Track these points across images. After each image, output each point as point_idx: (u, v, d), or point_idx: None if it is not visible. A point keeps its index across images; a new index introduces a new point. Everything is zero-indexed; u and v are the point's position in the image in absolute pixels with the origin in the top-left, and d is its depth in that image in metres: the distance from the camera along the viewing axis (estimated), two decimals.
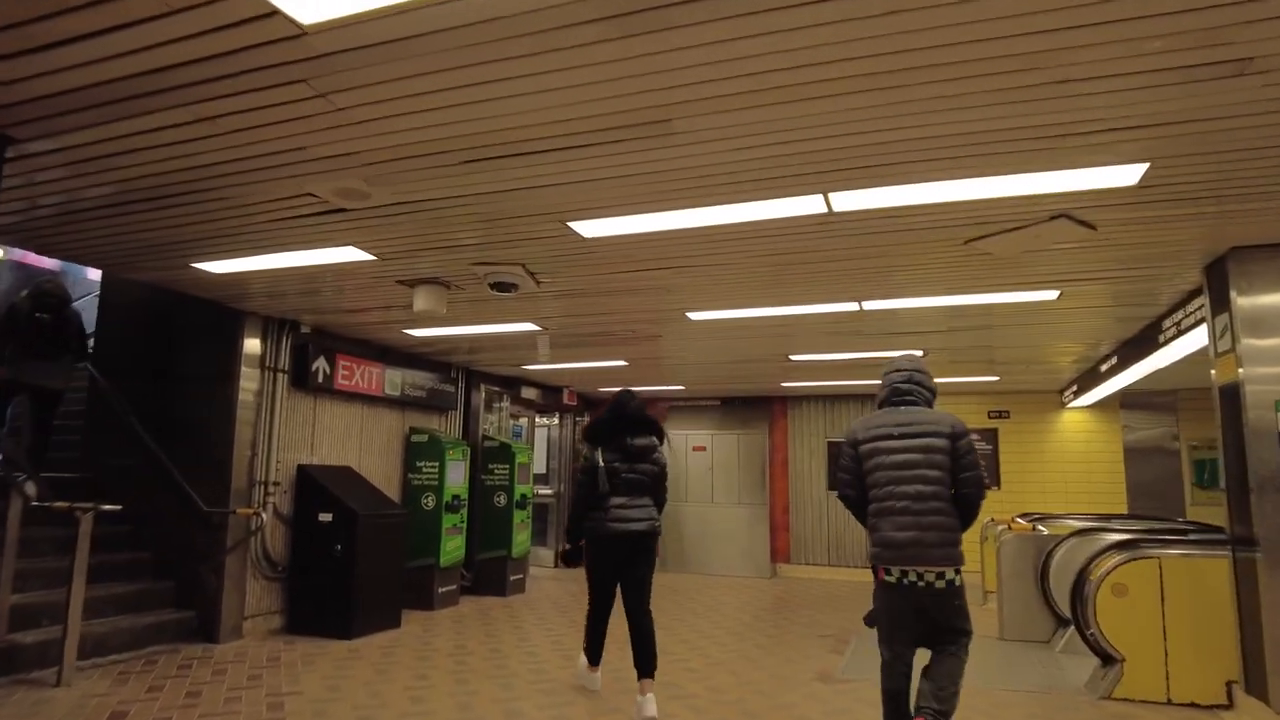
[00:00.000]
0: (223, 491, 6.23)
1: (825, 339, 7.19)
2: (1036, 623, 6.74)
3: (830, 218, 3.98)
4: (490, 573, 8.85)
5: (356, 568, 6.50)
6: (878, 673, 3.74)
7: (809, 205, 3.77)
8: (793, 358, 8.16)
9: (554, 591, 9.33)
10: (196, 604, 6.11)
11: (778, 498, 11.44)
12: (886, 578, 3.53)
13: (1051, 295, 5.40)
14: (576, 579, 10.07)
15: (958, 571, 3.47)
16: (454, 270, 5.00)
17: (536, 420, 12.22)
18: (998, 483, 10.65)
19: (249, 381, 6.45)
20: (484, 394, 9.65)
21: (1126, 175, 3.33)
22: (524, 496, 9.12)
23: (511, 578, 8.87)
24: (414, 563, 7.97)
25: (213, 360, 6.46)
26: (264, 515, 6.35)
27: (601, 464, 4.57)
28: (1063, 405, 10.46)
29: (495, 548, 8.89)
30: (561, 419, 12.19)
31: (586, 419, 12.45)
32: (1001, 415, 10.79)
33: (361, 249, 4.60)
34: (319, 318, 6.69)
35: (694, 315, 6.17)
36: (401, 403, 8.26)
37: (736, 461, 11.20)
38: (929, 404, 3.72)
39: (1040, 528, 7.84)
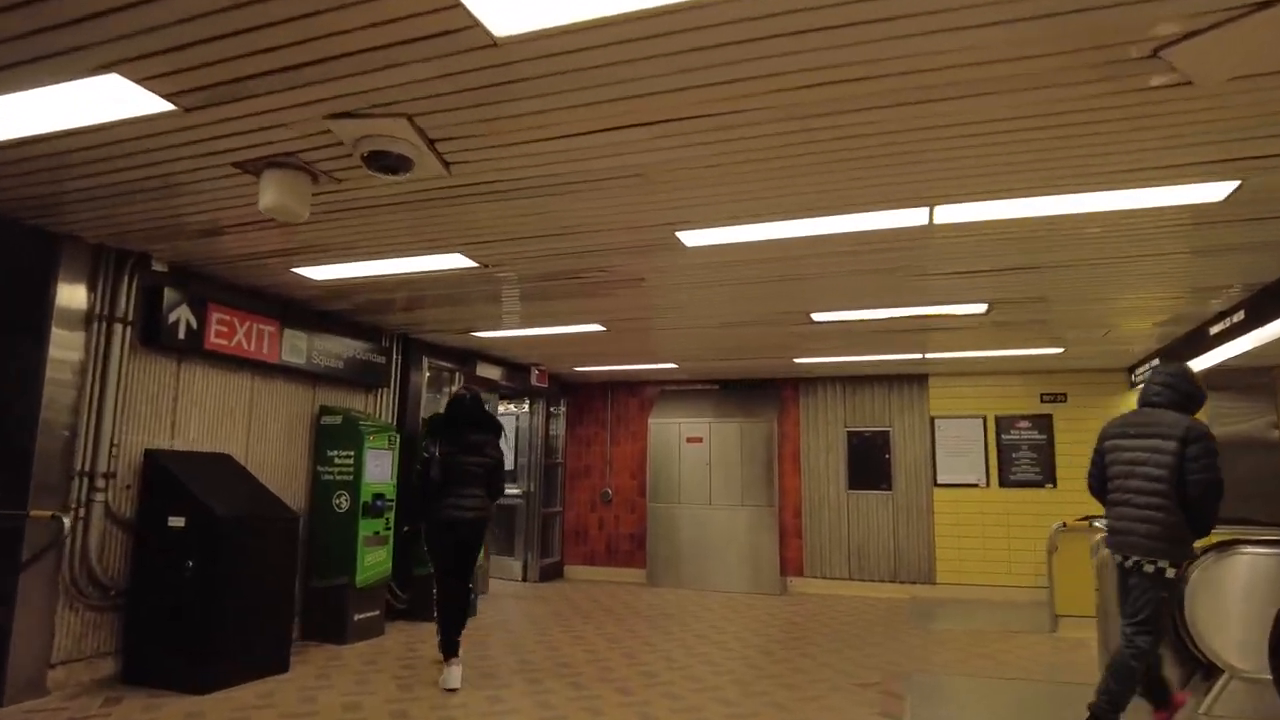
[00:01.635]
0: (18, 486, 4.38)
1: (858, 283, 5.38)
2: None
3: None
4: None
5: (216, 592, 4.66)
6: None
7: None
8: (815, 317, 6.34)
9: (513, 616, 7.48)
10: None
11: (788, 499, 9.62)
12: (1115, 557, 3.95)
13: (1222, 189, 3.59)
14: (547, 599, 8.19)
15: (1169, 564, 3.70)
16: (305, 133, 3.18)
17: (501, 407, 10.37)
18: (1052, 479, 8.84)
19: (66, 335, 4.60)
20: (427, 370, 7.81)
21: None
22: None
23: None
24: (322, 582, 6.13)
25: (10, 305, 4.61)
26: (66, 520, 4.47)
27: (438, 455, 5.10)
28: (1132, 385, 8.67)
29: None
30: (533, 405, 10.35)
31: (564, 408, 10.62)
32: (1056, 399, 8.99)
33: (145, 86, 2.77)
34: (171, 248, 4.86)
35: (689, 237, 4.36)
36: (312, 375, 6.42)
37: (739, 455, 9.38)
38: (1180, 408, 3.89)
39: (1099, 528, 6.04)
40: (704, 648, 6.15)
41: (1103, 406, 8.81)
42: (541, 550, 9.99)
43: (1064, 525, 6.94)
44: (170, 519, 4.79)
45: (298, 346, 6.15)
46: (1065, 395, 8.96)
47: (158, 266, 5.10)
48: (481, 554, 7.39)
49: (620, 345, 7.85)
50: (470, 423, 5.26)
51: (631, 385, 10.57)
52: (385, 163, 3.23)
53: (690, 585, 9.30)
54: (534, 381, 9.11)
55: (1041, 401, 9.02)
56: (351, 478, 6.22)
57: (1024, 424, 9.01)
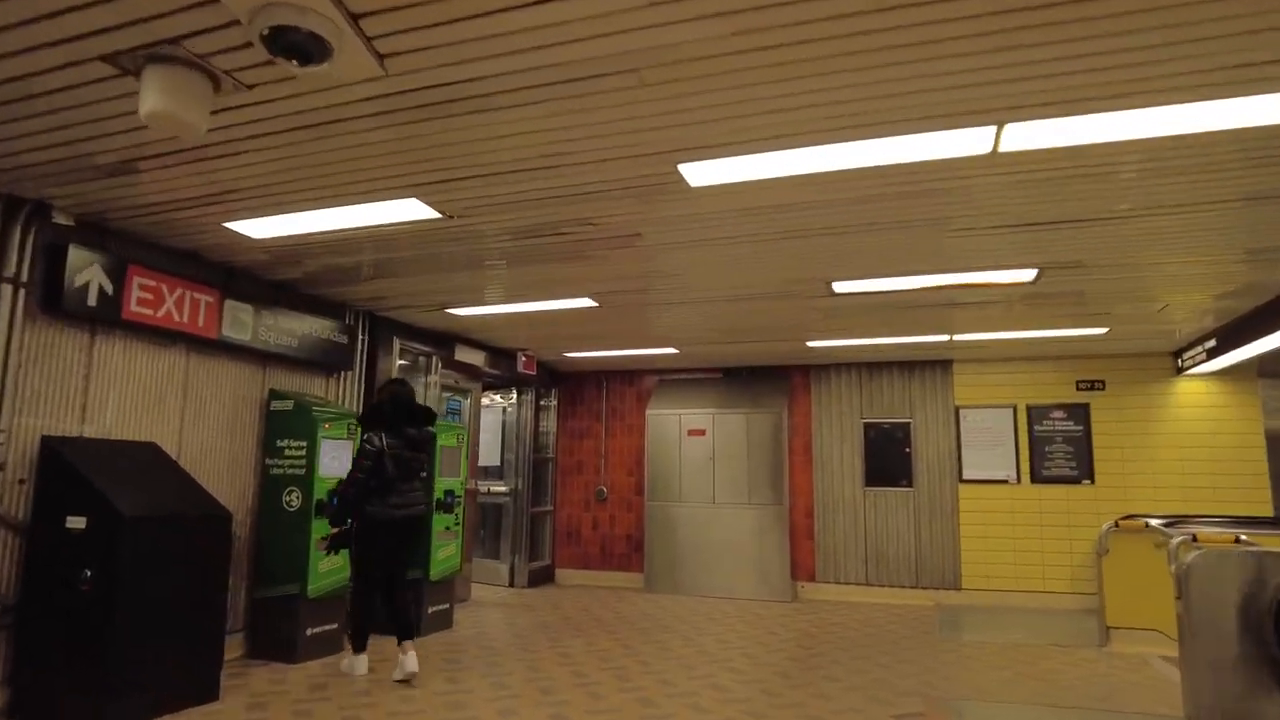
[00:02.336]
0: None
1: (891, 242, 4.58)
2: (1246, 698, 4.12)
3: None
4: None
5: (120, 607, 3.85)
6: None
7: None
8: (836, 288, 5.53)
9: (494, 628, 6.67)
10: None
11: (799, 497, 8.81)
12: None
13: None
14: (534, 607, 7.37)
15: None
16: (186, 3, 2.37)
17: (486, 398, 9.57)
18: (1090, 474, 8.04)
19: None
20: (398, 352, 6.99)
21: None
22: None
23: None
24: (269, 592, 5.32)
25: None
26: None
27: (385, 449, 4.94)
28: (1179, 371, 7.87)
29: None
30: (520, 395, 9.54)
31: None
32: (1094, 387, 8.19)
33: None
34: (75, 196, 4.04)
35: (694, 172, 3.55)
36: (261, 355, 5.61)
37: (745, 449, 8.57)
38: None
39: (1169, 532, 5.28)
40: (708, 667, 5.34)
41: (1145, 395, 8.02)
42: (530, 553, 9.18)
43: (1115, 525, 6.13)
44: (69, 519, 3.98)
45: (242, 321, 5.34)
46: (1103, 382, 8.16)
47: (61, 219, 4.28)
48: (459, 556, 6.60)
49: (614, 325, 7.04)
50: (410, 415, 5.19)
51: (628, 374, 9.76)
52: (292, 43, 2.41)
53: (691, 591, 8.49)
54: (520, 368, 8.30)
55: (1078, 389, 8.22)
56: (304, 471, 5.40)
57: (1058, 414, 8.21)
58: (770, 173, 3.52)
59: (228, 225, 4.43)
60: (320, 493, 5.37)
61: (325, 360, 6.13)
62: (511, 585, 9.01)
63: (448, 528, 6.46)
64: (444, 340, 7.56)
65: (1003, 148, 3.26)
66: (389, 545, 5.02)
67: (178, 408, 5.03)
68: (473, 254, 4.91)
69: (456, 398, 8.11)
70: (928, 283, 5.41)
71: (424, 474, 5.50)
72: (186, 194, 3.98)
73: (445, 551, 6.41)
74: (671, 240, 4.56)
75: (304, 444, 5.43)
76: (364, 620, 5.11)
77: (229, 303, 5.23)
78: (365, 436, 5.05)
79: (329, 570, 5.39)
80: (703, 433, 8.75)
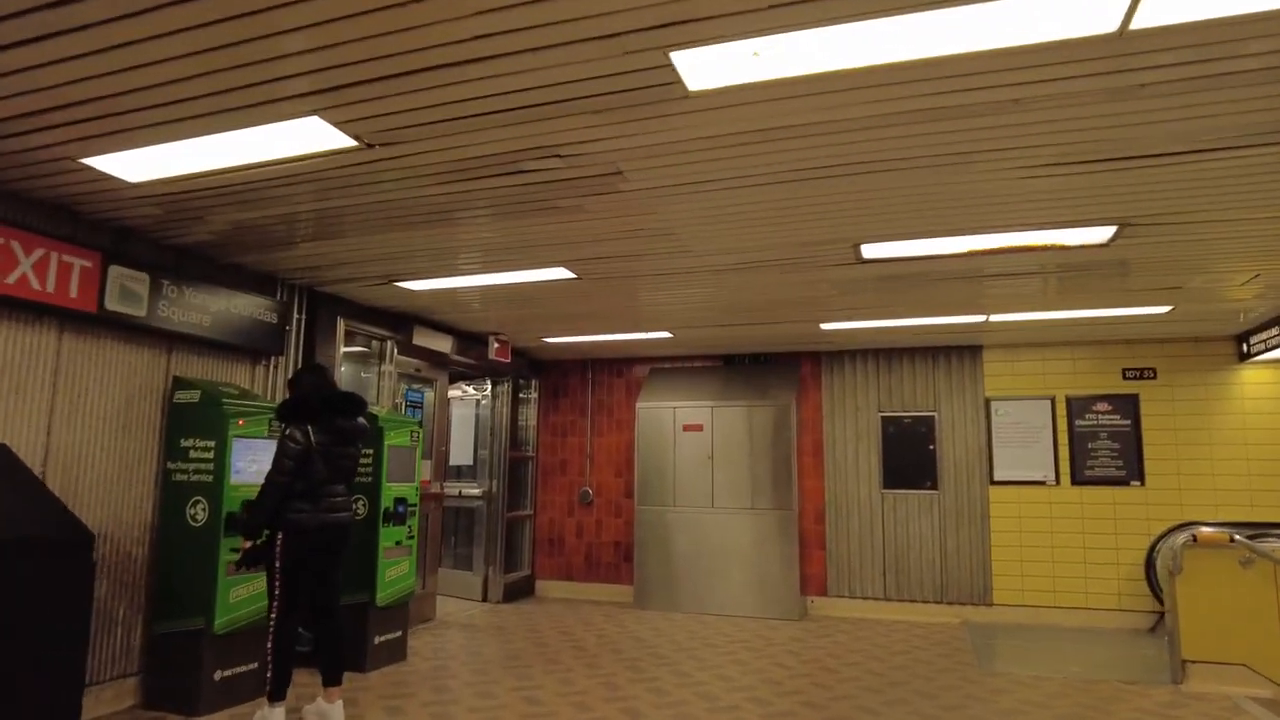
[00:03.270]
0: None
1: (942, 186, 3.58)
2: None
3: None
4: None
5: None
6: None
7: None
8: (866, 252, 4.53)
9: (456, 658, 5.67)
10: None
11: (808, 500, 7.84)
12: None
13: None
14: (507, 629, 6.36)
15: None
16: None
17: (457, 390, 8.57)
18: (1139, 475, 7.08)
19: None
20: (343, 335, 5.97)
21: None
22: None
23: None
24: (168, 627, 4.33)
25: None
26: None
27: (313, 445, 4.08)
28: (1244, 357, 6.90)
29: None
30: (495, 386, 8.53)
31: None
32: (1143, 375, 7.22)
33: None
34: None
35: (694, 68, 2.55)
36: (163, 335, 4.59)
37: (748, 446, 7.58)
38: None
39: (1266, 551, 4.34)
40: (699, 705, 4.36)
41: (1204, 384, 7.05)
42: (506, 563, 8.19)
43: (1194, 539, 5.16)
44: None
45: (134, 292, 4.32)
46: (1154, 370, 7.19)
47: None
48: (414, 576, 5.61)
49: (598, 302, 6.04)
50: (339, 405, 4.28)
51: (616, 362, 8.76)
52: None
53: (687, 607, 7.51)
54: (493, 355, 7.28)
55: (1124, 378, 7.25)
56: (211, 478, 4.39)
57: (1102, 406, 7.24)
58: (791, 65, 2.51)
59: (87, 163, 3.41)
60: (232, 504, 4.36)
61: (251, 344, 5.12)
62: (485, 600, 8.02)
63: (399, 542, 5.46)
64: (400, 321, 6.53)
65: (1139, 22, 2.26)
66: (317, 562, 4.12)
67: (44, 400, 4.01)
68: (412, 204, 3.90)
69: (418, 389, 7.09)
70: (977, 245, 4.41)
71: (357, 474, 4.50)
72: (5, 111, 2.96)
73: (396, 571, 5.41)
74: (662, 182, 3.56)
75: (212, 444, 4.42)
76: (284, 660, 4.03)
77: (115, 269, 4.21)
78: (286, 431, 4.10)
79: (243, 600, 4.38)
80: (700, 428, 7.76)
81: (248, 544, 4.04)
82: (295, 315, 5.58)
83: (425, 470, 6.93)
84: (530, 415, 8.85)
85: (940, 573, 7.38)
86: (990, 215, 3.94)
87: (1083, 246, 4.38)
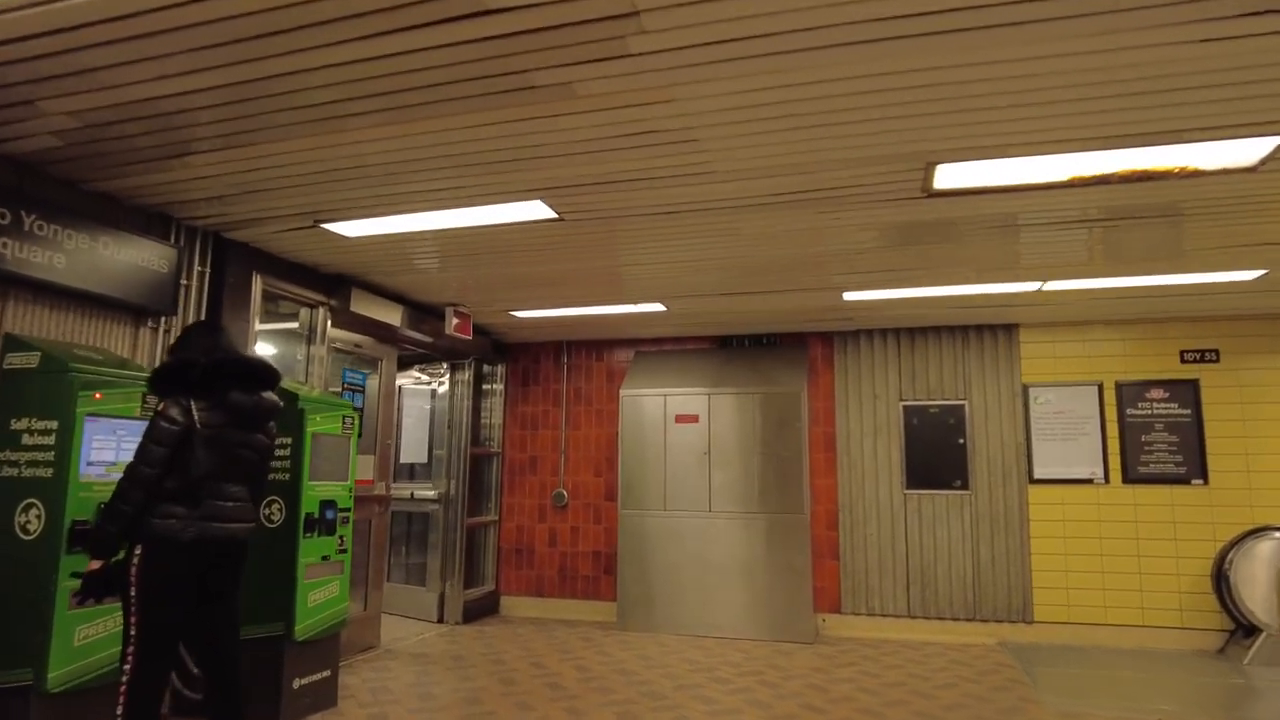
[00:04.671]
0: None
1: (1068, 55, 2.54)
2: None
3: None
4: None
5: None
6: None
7: None
8: (940, 175, 3.47)
9: (399, 701, 4.47)
10: None
11: (820, 502, 6.78)
12: None
13: None
14: (465, 659, 5.16)
15: None
16: None
17: (409, 377, 7.38)
18: (1201, 472, 6.15)
19: None
20: (259, 296, 4.73)
21: None
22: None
23: None
24: None
25: None
26: None
27: (199, 427, 2.95)
28: None
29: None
30: (455, 371, 7.33)
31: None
32: (1204, 357, 6.30)
33: None
34: None
35: None
36: None
37: (752, 440, 6.50)
38: None
39: None
40: None
41: (1275, 367, 6.15)
42: (467, 577, 7.00)
43: None
44: None
45: None
46: (1216, 352, 6.27)
47: None
48: (346, 599, 4.42)
49: (581, 259, 4.90)
50: (238, 373, 3.13)
51: (597, 346, 7.62)
52: None
53: (679, 628, 6.39)
54: (451, 330, 6.09)
55: (1182, 362, 6.32)
56: (51, 473, 3.16)
57: (1158, 393, 6.31)
58: None
59: None
60: (81, 510, 3.15)
61: (132, 298, 3.89)
62: (441, 621, 6.82)
63: (327, 558, 4.26)
64: (335, 284, 5.33)
65: None
66: (191, 586, 2.96)
67: None
68: (318, 82, 2.73)
69: (359, 370, 5.88)
70: (1084, 168, 3.38)
71: (268, 470, 3.35)
72: None
73: (322, 594, 4.20)
74: (693, 41, 2.45)
75: (53, 425, 3.20)
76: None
77: None
78: (159, 406, 2.96)
79: (94, 643, 3.16)
80: (695, 419, 6.66)
81: (96, 564, 2.86)
82: (196, 267, 4.35)
83: (368, 468, 5.74)
84: (495, 406, 7.68)
85: (973, 586, 6.37)
86: (1122, 112, 2.90)
87: (1222, 171, 3.37)
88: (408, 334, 6.09)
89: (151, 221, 4.12)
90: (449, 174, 3.56)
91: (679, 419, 6.69)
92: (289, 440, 4.12)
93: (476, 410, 7.43)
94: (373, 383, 6.04)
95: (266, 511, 4.06)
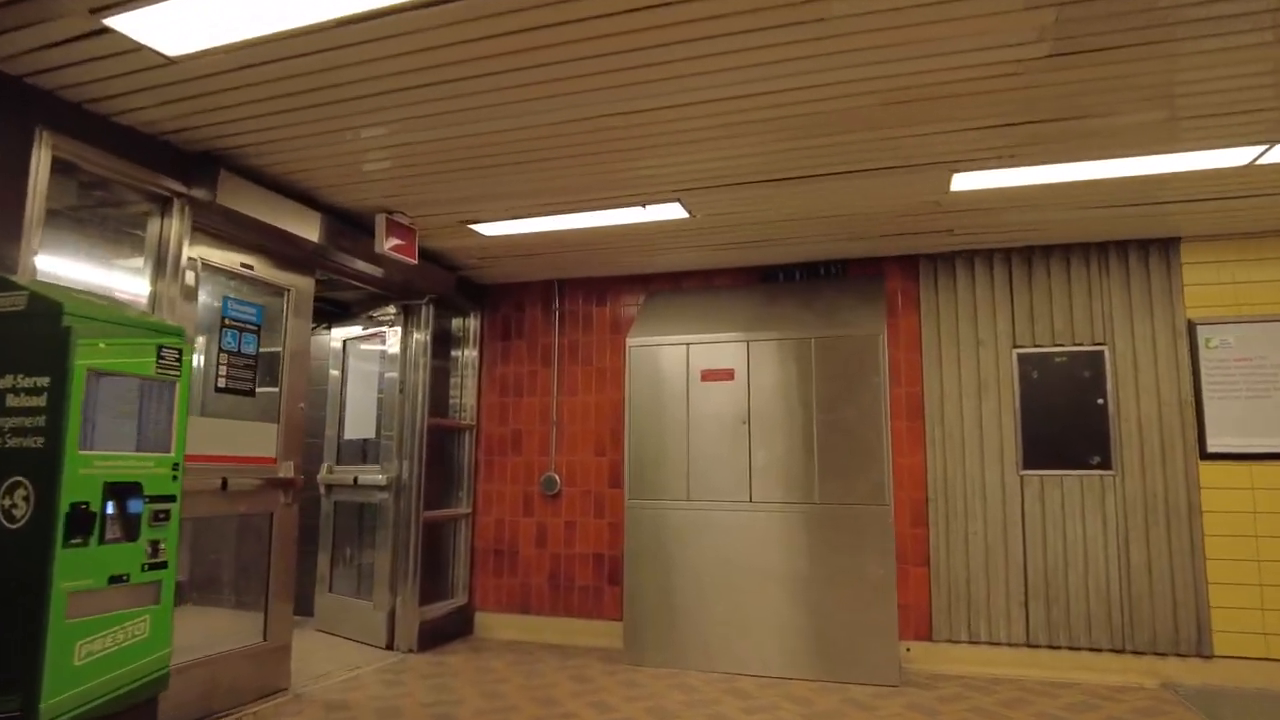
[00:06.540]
0: None
1: None
2: None
3: None
4: None
5: None
6: None
7: None
8: None
9: None
10: None
11: (902, 488, 4.98)
12: None
13: None
14: (411, 714, 3.43)
15: None
16: None
17: (355, 327, 5.69)
18: None
19: None
20: (46, 164, 3.00)
21: None
22: None
23: None
24: None
25: None
26: None
27: None
28: None
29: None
30: (408, 319, 5.59)
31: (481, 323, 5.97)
32: None
33: None
34: None
35: None
36: None
37: (807, 404, 4.71)
38: None
39: None
40: None
41: None
42: (429, 588, 5.30)
43: None
44: None
45: None
46: None
47: None
48: (166, 643, 2.68)
49: (565, 103, 3.13)
50: None
51: (598, 285, 5.86)
52: None
53: (708, 663, 4.64)
54: (386, 248, 4.33)
55: None
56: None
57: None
58: None
59: None
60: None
61: None
62: (391, 647, 5.12)
63: (121, 578, 2.51)
64: (194, 164, 3.59)
65: None
66: None
67: None
68: None
69: (249, 302, 4.12)
70: None
71: None
72: None
73: (109, 640, 2.47)
74: None
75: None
76: None
77: None
78: None
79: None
80: (729, 375, 4.88)
81: None
82: None
83: (267, 440, 4.03)
84: (466, 366, 5.94)
85: (1121, 604, 4.54)
86: None
87: None
88: (329, 255, 4.36)
89: None
90: None
91: (706, 376, 4.91)
92: (43, 381, 2.39)
93: (440, 370, 5.70)
94: (285, 326, 4.31)
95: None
